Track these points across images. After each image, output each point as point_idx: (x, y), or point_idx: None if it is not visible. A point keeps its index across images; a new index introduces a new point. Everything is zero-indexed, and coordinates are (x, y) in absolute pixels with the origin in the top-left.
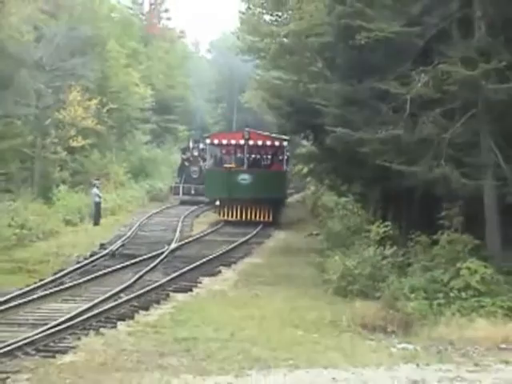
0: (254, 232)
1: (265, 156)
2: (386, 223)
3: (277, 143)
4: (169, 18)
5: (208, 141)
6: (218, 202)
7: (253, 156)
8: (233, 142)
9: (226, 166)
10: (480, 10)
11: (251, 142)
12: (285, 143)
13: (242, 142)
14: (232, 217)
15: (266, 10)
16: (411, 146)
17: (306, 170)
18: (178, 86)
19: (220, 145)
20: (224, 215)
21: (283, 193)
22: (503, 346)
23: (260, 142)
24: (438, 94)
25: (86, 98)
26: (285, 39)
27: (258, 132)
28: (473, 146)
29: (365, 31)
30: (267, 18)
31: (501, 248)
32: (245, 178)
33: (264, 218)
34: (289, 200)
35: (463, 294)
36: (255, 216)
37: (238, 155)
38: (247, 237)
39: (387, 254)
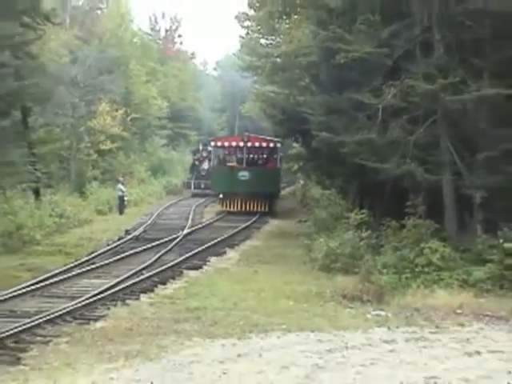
0: (253, 219)
1: (261, 156)
2: (363, 211)
3: (271, 145)
4: (181, 43)
5: (213, 143)
6: (221, 195)
7: (251, 156)
8: (234, 144)
9: (228, 164)
10: (438, 34)
11: (249, 144)
12: (278, 145)
13: (241, 144)
14: (233, 208)
15: (261, 34)
16: (383, 147)
17: (296, 167)
18: (189, 99)
19: (223, 147)
20: (226, 206)
21: (277, 187)
22: (459, 311)
23: (257, 144)
24: (405, 104)
25: (113, 109)
26: (278, 59)
27: (256, 135)
28: (433, 147)
29: (343, 52)
30: (263, 41)
31: (457, 231)
32: (244, 174)
33: (261, 208)
34: (282, 193)
35: (426, 269)
36: (253, 207)
37: (239, 155)
38: (247, 223)
39: (363, 236)
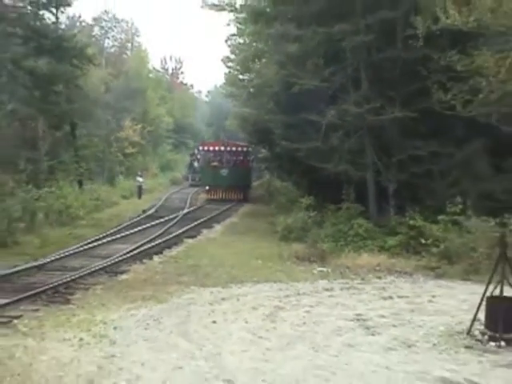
0: (232, 204)
1: (237, 157)
2: (311, 197)
3: (245, 149)
4: (183, 77)
5: (200, 147)
6: (207, 188)
7: (230, 157)
8: (217, 148)
9: (212, 164)
10: (364, 73)
11: (228, 148)
12: (250, 149)
13: (222, 148)
14: (216, 197)
15: (240, 72)
16: (325, 152)
17: (263, 166)
18: (188, 116)
19: (208, 150)
20: (211, 196)
21: (249, 181)
22: (377, 268)
23: (234, 149)
24: (341, 122)
25: (134, 124)
26: (251, 89)
27: (233, 142)
28: (361, 152)
29: (297, 85)
30: (241, 77)
31: (376, 212)
32: (224, 171)
33: (237, 197)
34: (253, 185)
35: (355, 239)
36: (232, 196)
37: (220, 157)
38: (228, 206)
39: (311, 215)
